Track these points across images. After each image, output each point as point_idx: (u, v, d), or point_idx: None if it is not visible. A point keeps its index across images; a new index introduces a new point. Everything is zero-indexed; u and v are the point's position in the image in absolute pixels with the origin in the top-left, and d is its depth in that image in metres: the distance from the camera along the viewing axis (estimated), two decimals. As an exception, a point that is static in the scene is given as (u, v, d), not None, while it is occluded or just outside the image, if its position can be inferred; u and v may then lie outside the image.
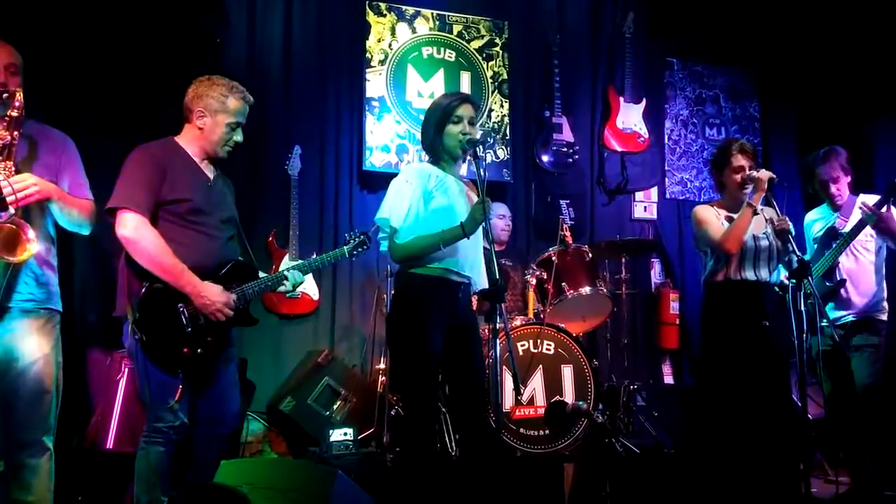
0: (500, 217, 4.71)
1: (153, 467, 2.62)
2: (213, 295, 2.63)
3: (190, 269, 2.62)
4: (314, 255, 4.36)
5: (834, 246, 3.68)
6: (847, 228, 3.67)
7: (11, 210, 2.42)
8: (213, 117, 2.75)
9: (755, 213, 3.33)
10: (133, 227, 2.57)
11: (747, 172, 3.41)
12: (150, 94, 4.42)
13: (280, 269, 4.42)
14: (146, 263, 2.56)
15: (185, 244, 2.65)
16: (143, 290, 2.57)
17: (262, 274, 2.95)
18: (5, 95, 2.49)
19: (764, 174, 3.32)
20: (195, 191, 2.72)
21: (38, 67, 2.79)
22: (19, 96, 2.49)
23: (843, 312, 3.73)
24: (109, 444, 3.59)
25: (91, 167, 2.84)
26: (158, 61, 4.45)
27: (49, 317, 2.64)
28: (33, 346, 2.57)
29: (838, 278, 3.71)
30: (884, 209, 3.56)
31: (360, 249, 3.11)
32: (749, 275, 3.45)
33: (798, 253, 3.20)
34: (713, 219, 3.49)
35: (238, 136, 2.81)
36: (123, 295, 2.63)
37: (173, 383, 2.59)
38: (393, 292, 2.95)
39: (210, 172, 2.83)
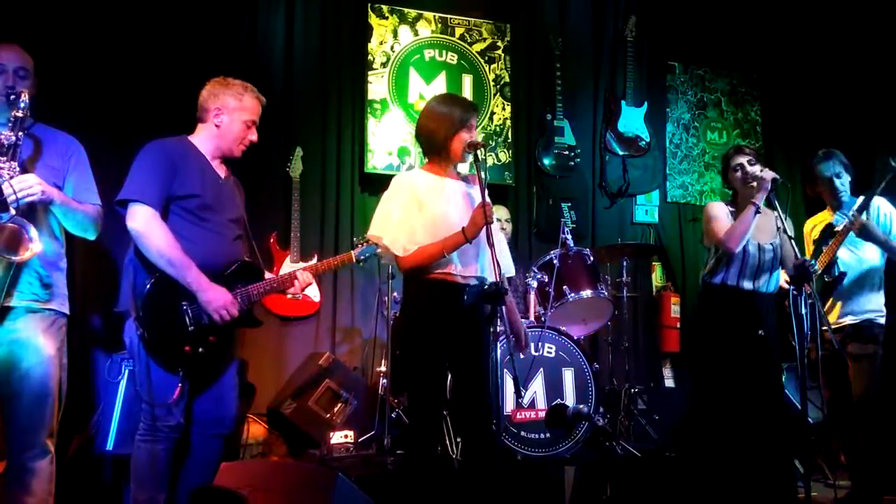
0: (496, 221, 4.69)
1: (150, 465, 2.62)
2: (216, 295, 2.63)
3: (197, 267, 2.62)
4: (315, 257, 4.37)
5: (830, 242, 3.69)
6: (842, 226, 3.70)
7: (12, 210, 2.42)
8: (231, 115, 2.80)
9: (757, 211, 3.36)
10: (144, 221, 2.58)
11: (748, 169, 3.48)
12: (154, 93, 4.44)
13: (281, 271, 4.44)
14: (154, 257, 2.57)
15: (194, 241, 2.66)
16: (148, 286, 2.57)
17: (267, 275, 2.96)
18: (12, 97, 2.52)
19: (768, 174, 3.35)
20: (206, 187, 2.74)
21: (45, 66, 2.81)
22: (25, 97, 2.52)
23: (842, 312, 3.71)
24: (109, 445, 3.58)
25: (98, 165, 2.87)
26: (165, 62, 4.47)
27: (55, 318, 2.64)
28: (38, 347, 2.56)
29: (837, 272, 3.68)
30: (863, 216, 3.58)
31: (368, 255, 3.20)
32: (746, 284, 3.47)
33: (803, 258, 3.22)
34: (722, 216, 3.56)
35: (253, 136, 2.86)
36: (128, 290, 2.63)
37: (173, 381, 2.59)
38: (402, 297, 2.94)
39: (221, 172, 2.86)
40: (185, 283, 2.59)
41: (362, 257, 3.20)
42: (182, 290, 2.60)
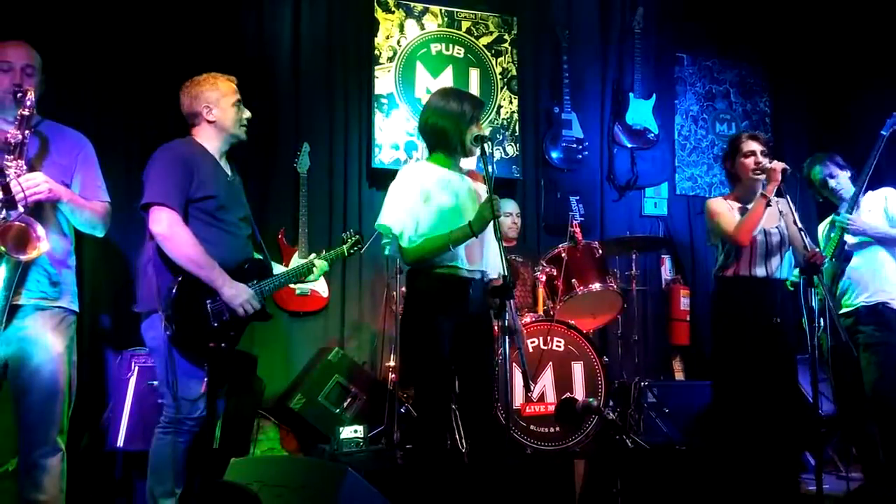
0: (507, 215, 4.69)
1: (171, 457, 2.70)
2: (239, 290, 2.74)
3: None
4: (324, 252, 4.38)
5: (837, 226, 3.70)
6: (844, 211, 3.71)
7: (20, 209, 2.43)
8: (219, 105, 2.88)
9: (768, 204, 3.31)
10: (168, 225, 2.66)
11: (760, 160, 3.41)
12: (160, 90, 4.43)
13: (291, 266, 4.44)
14: (180, 259, 2.65)
15: (213, 242, 2.75)
16: (177, 287, 2.65)
17: (279, 268, 3.04)
18: (19, 95, 2.53)
19: (777, 165, 3.31)
20: (220, 187, 2.83)
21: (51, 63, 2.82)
22: (31, 95, 2.53)
23: (854, 293, 3.69)
24: (120, 442, 3.60)
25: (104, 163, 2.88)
26: (171, 60, 4.47)
27: (64, 316, 2.65)
28: (47, 344, 2.57)
29: (846, 250, 3.70)
30: (854, 213, 3.64)
31: (356, 248, 3.37)
32: (759, 271, 3.44)
33: (812, 247, 3.20)
34: (726, 211, 3.49)
35: (246, 113, 2.96)
36: (151, 290, 2.70)
37: (199, 375, 2.68)
38: (405, 291, 2.96)
39: (228, 169, 2.94)
40: (210, 281, 2.69)
41: (352, 251, 3.35)
42: (206, 289, 2.70)
